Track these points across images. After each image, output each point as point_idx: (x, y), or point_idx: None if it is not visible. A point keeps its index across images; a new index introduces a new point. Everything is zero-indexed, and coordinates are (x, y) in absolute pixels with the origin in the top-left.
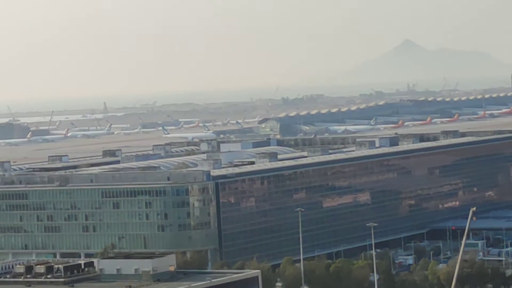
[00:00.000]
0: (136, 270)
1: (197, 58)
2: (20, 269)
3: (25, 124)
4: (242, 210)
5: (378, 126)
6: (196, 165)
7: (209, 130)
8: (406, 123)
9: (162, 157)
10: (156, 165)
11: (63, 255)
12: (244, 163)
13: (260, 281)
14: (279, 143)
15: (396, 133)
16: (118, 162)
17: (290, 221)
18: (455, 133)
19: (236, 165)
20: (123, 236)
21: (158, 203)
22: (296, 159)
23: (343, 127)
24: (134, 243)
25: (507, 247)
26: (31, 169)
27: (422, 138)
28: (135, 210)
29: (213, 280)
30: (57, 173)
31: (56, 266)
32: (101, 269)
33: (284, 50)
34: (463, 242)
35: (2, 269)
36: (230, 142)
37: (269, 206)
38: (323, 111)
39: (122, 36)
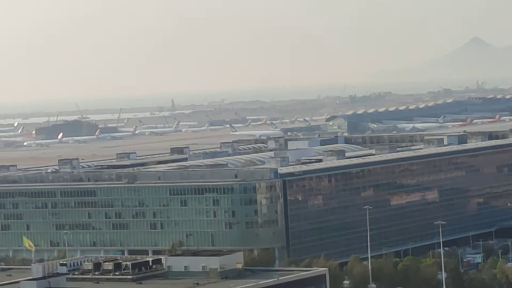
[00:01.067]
0: (203, 267)
1: (265, 56)
2: (89, 266)
3: (94, 121)
4: (309, 207)
5: (446, 123)
6: (263, 162)
7: (276, 127)
8: (474, 121)
9: (229, 155)
10: (223, 163)
11: (131, 252)
12: (311, 160)
13: (327, 279)
14: (347, 140)
15: (464, 131)
16: (185, 159)
17: (358, 219)
18: None
19: (303, 163)
20: (191, 234)
21: (225, 201)
22: (363, 157)
23: (411, 125)
24: (202, 241)
25: None
26: (99, 166)
27: (490, 136)
28: (202, 208)
29: (280, 278)
30: (125, 170)
31: (124, 263)
32: (168, 266)
33: (352, 48)
34: None
35: (70, 266)
36: (298, 140)
37: (336, 204)
38: (391, 108)
39: (190, 33)
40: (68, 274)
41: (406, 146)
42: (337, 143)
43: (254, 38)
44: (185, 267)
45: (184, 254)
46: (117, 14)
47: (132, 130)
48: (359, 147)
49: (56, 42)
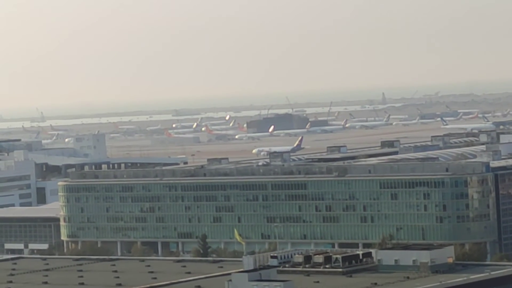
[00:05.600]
0: (414, 261)
1: (477, 48)
2: (299, 258)
3: (304, 114)
4: None
5: None
6: (475, 156)
7: (488, 121)
8: None
9: (440, 148)
10: (434, 156)
11: (341, 245)
12: None
13: None
14: None
15: None
16: (396, 152)
17: None
18: None
19: None
20: (401, 227)
21: (436, 194)
22: None
23: None
24: (412, 234)
25: None
26: (310, 160)
27: None
28: (413, 201)
29: (492, 273)
30: (335, 163)
31: (334, 256)
32: (379, 260)
33: None
34: None
35: (281, 258)
36: (510, 133)
37: None
38: None
39: (396, 27)
40: (279, 266)
41: None
42: None
43: (468, 30)
44: (396, 260)
45: (394, 247)
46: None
47: (343, 123)
48: None
49: (262, 36)
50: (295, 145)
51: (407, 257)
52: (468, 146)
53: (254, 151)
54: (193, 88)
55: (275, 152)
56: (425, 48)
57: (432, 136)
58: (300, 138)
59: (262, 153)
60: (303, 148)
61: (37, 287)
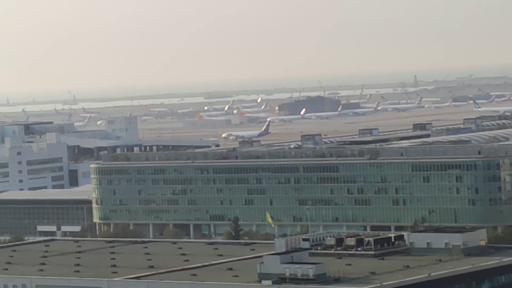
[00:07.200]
0: (446, 244)
1: (510, 30)
2: (331, 241)
3: (336, 97)
4: None
5: None
6: (507, 139)
7: None
8: None
9: (472, 131)
10: (467, 139)
11: (373, 228)
12: None
13: None
14: None
15: None
16: (428, 135)
17: None
18: None
19: None
20: (433, 210)
21: (468, 177)
22: None
23: None
24: (444, 217)
25: None
26: (342, 142)
27: None
28: (445, 184)
29: None
30: (367, 146)
31: (366, 239)
32: (411, 243)
33: None
34: None
35: (313, 241)
36: None
37: None
38: None
39: (432, 9)
40: (311, 249)
41: None
42: None
43: (503, 12)
44: (428, 243)
45: (426, 230)
46: None
47: (375, 106)
48: None
49: (296, 19)
50: (262, 129)
51: (439, 240)
52: (500, 128)
53: (223, 135)
54: (225, 70)
55: (243, 137)
56: (459, 31)
57: (464, 119)
58: (267, 122)
59: (231, 138)
60: (270, 133)
61: (69, 269)
